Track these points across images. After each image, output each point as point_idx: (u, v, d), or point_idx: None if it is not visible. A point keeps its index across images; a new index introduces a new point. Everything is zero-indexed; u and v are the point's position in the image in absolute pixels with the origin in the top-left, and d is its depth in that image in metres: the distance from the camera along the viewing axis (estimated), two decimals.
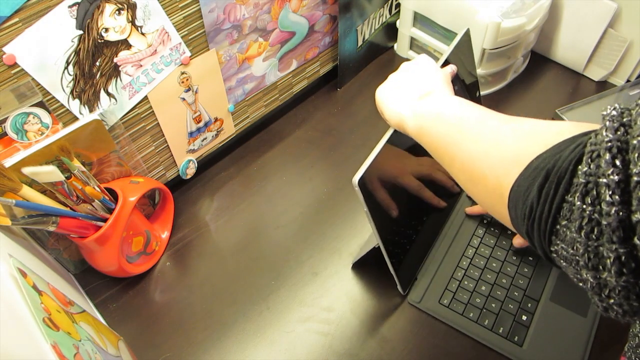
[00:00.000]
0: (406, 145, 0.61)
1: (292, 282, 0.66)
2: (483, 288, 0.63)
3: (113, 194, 0.61)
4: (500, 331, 0.60)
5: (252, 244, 0.71)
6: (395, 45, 1.00)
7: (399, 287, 0.63)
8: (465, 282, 0.64)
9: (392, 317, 0.62)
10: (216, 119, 0.77)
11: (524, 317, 0.61)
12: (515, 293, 0.63)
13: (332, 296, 0.64)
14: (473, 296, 0.63)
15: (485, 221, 0.70)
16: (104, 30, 0.54)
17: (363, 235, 0.70)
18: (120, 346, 0.57)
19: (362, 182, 0.52)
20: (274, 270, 0.67)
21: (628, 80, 0.88)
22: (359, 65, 0.95)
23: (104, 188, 0.60)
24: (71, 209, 0.56)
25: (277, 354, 0.60)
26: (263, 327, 0.62)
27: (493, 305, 0.62)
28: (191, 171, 0.78)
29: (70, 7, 0.50)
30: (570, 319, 0.60)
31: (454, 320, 0.61)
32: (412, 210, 0.65)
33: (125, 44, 0.57)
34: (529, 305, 0.61)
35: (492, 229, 0.69)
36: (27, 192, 0.52)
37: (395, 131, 0.56)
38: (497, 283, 0.64)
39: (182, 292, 0.66)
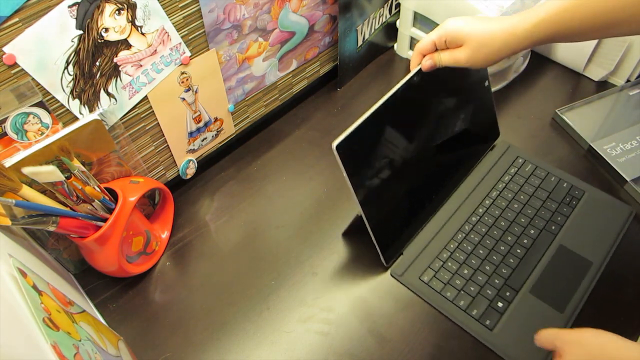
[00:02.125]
0: (402, 118, 0.63)
1: (292, 282, 0.66)
2: (465, 271, 0.65)
3: (113, 194, 0.61)
4: (474, 313, 0.61)
5: (252, 244, 0.71)
6: (395, 45, 1.00)
7: (381, 258, 0.65)
8: (449, 264, 0.66)
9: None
10: (216, 119, 0.77)
11: (500, 304, 0.62)
12: (496, 280, 0.64)
13: (332, 296, 0.64)
14: (454, 278, 0.64)
15: (480, 210, 0.71)
16: (104, 30, 0.54)
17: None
18: (120, 346, 0.57)
19: (342, 147, 0.55)
20: (274, 270, 0.67)
21: (628, 80, 0.88)
22: (359, 65, 0.95)
23: (104, 188, 0.60)
24: (71, 209, 0.56)
25: (277, 354, 0.60)
26: (263, 327, 0.62)
27: (472, 288, 0.63)
28: (191, 171, 0.78)
29: (70, 7, 0.50)
30: (546, 313, 0.61)
31: (430, 297, 0.63)
32: (400, 185, 0.66)
33: (125, 44, 0.57)
34: (508, 294, 0.63)
35: (486, 218, 0.70)
36: (27, 192, 0.52)
37: (387, 103, 0.59)
38: (480, 269, 0.65)
39: (182, 292, 0.66)
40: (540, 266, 0.65)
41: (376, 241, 0.63)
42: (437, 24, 0.84)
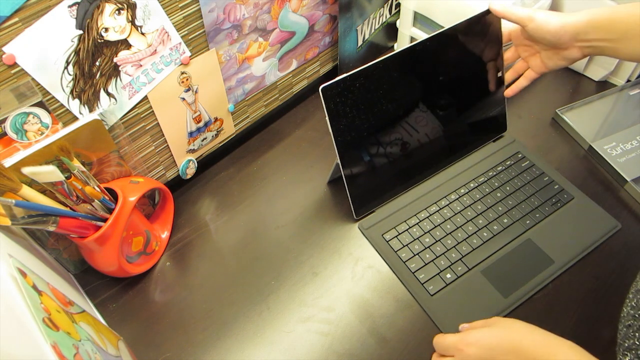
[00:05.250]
0: (402, 83, 0.66)
1: (292, 282, 0.66)
2: (427, 240, 0.67)
3: (113, 194, 0.61)
4: (421, 277, 0.64)
5: (252, 244, 0.71)
6: (395, 45, 1.00)
7: (352, 210, 0.69)
8: (414, 230, 0.68)
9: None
10: (216, 119, 0.77)
11: (449, 275, 0.64)
12: (453, 255, 0.66)
13: (332, 296, 0.64)
14: (413, 243, 0.67)
15: (462, 190, 0.72)
16: (103, 30, 0.54)
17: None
18: (120, 346, 0.57)
19: (328, 91, 0.59)
20: (274, 270, 0.67)
21: (628, 80, 0.88)
22: (359, 65, 0.94)
23: (104, 188, 0.60)
24: (71, 209, 0.56)
25: (277, 354, 0.60)
26: (263, 327, 0.62)
27: (427, 255, 0.66)
28: (191, 171, 0.78)
29: (70, 6, 0.50)
30: (490, 294, 0.62)
31: (387, 255, 0.67)
32: (387, 148, 0.69)
33: (125, 43, 0.57)
34: (459, 268, 0.64)
35: (465, 199, 0.71)
36: (27, 192, 0.52)
37: (388, 62, 0.63)
38: (442, 241, 0.67)
39: (182, 292, 0.66)
40: (501, 252, 0.66)
41: (349, 192, 0.67)
42: (438, 24, 0.85)
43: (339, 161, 0.65)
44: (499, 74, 0.74)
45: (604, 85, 0.89)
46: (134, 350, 0.60)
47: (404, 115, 0.68)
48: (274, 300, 0.64)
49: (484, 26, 0.70)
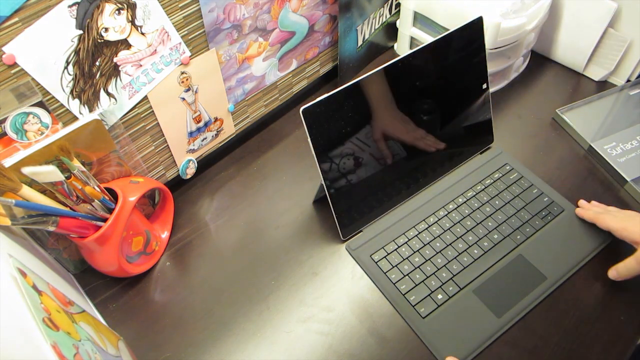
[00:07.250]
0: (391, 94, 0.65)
1: (292, 282, 0.66)
2: (416, 259, 0.66)
3: (113, 194, 0.61)
4: (412, 299, 0.62)
5: (252, 244, 0.71)
6: (395, 45, 1.00)
7: (339, 230, 0.67)
8: (403, 249, 0.67)
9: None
10: (216, 119, 0.77)
11: (440, 296, 0.62)
12: (444, 274, 0.64)
13: (332, 296, 0.64)
14: (403, 263, 0.65)
15: (450, 206, 0.71)
16: (103, 29, 0.54)
17: (363, 234, 0.70)
18: (120, 346, 0.57)
19: (309, 113, 0.58)
20: (274, 270, 0.67)
21: (628, 80, 0.88)
22: (359, 65, 0.95)
23: (104, 188, 0.60)
24: (71, 209, 0.56)
25: (277, 354, 0.60)
26: (263, 327, 0.62)
27: (417, 276, 0.64)
28: (191, 171, 0.78)
29: (70, 6, 0.50)
30: (483, 315, 0.61)
31: (376, 276, 0.65)
32: (372, 167, 0.67)
33: (125, 43, 0.57)
34: (451, 288, 0.63)
35: (454, 215, 0.70)
36: (27, 192, 0.52)
37: (368, 80, 0.62)
38: (432, 260, 0.66)
39: (182, 292, 0.66)
40: (492, 270, 0.64)
41: (335, 213, 0.66)
42: (438, 24, 0.85)
43: (323, 183, 0.63)
44: (484, 86, 0.74)
45: (604, 85, 0.89)
46: (134, 350, 0.60)
47: (389, 135, 0.67)
48: (274, 300, 0.64)
49: (467, 38, 0.69)
